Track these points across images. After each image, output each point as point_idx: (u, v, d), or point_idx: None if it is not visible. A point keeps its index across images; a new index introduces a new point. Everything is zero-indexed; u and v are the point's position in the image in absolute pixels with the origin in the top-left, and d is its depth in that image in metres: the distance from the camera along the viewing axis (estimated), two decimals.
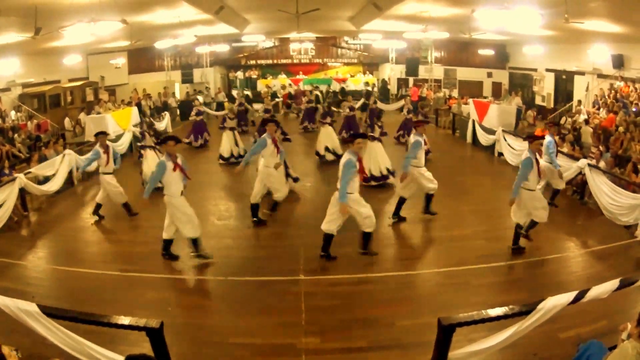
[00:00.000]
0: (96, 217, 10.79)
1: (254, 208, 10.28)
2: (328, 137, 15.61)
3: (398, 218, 10.27)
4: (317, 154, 15.52)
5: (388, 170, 12.62)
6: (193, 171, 12.81)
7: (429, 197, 10.30)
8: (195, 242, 8.48)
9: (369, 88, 28.33)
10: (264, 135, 9.97)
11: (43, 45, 17.05)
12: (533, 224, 8.88)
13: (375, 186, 12.41)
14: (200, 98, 24.61)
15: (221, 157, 15.74)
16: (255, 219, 10.29)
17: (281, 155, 10.09)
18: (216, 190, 12.82)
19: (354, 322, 6.58)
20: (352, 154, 7.97)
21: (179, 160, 8.27)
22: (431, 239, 9.63)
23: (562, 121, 17.49)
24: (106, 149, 10.60)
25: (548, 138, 10.50)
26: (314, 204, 10.73)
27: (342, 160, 8.04)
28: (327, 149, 15.26)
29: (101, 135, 10.84)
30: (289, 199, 11.56)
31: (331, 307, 6.97)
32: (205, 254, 8.57)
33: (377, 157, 12.52)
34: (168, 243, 8.60)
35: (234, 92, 26.71)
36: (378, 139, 12.66)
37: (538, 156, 8.67)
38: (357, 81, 30.08)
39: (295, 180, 12.15)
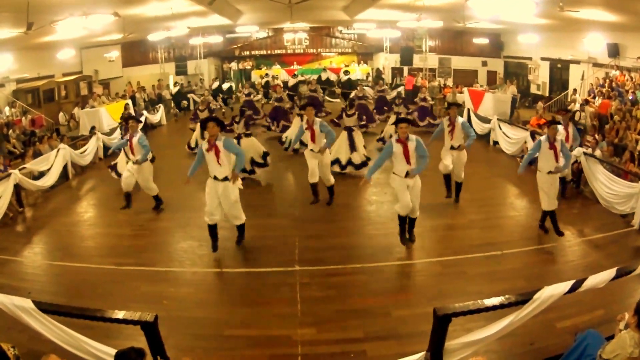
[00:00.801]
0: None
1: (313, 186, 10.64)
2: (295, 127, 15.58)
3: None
4: (280, 141, 15.63)
5: (350, 161, 12.68)
6: (189, 163, 12.82)
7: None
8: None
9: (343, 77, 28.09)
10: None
11: (36, 40, 16.94)
12: None
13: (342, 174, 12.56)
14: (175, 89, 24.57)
15: (189, 146, 15.93)
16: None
17: (329, 136, 10.14)
18: None
19: (350, 312, 6.57)
20: (395, 138, 8.17)
21: (219, 142, 8.07)
22: (427, 228, 9.56)
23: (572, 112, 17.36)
24: (131, 137, 10.20)
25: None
26: (309, 195, 10.69)
27: None
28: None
29: (131, 120, 10.69)
30: (284, 190, 11.58)
31: (327, 297, 6.97)
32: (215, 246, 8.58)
33: (341, 145, 12.66)
34: (239, 227, 8.82)
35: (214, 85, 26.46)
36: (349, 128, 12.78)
37: (554, 140, 8.73)
38: (352, 70, 29.92)
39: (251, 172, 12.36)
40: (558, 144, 8.69)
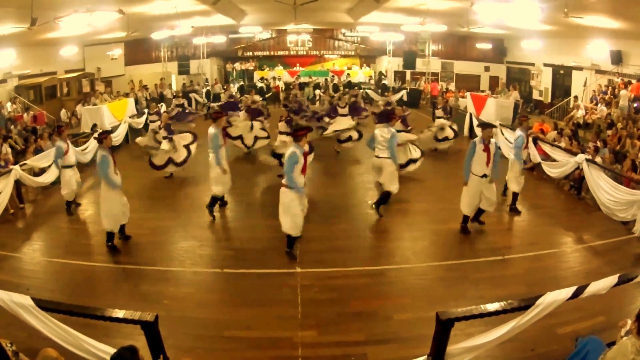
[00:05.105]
0: None
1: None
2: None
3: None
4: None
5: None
6: (189, 163, 12.83)
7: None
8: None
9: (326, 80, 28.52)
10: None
11: (39, 37, 16.96)
12: None
13: None
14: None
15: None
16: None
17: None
18: None
19: (351, 315, 6.55)
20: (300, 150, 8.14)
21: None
22: (429, 232, 9.57)
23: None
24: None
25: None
26: (311, 197, 10.66)
27: None
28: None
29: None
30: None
31: (328, 300, 6.95)
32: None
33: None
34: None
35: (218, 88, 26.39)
36: None
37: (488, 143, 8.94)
38: (354, 73, 29.99)
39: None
40: (492, 147, 8.84)
